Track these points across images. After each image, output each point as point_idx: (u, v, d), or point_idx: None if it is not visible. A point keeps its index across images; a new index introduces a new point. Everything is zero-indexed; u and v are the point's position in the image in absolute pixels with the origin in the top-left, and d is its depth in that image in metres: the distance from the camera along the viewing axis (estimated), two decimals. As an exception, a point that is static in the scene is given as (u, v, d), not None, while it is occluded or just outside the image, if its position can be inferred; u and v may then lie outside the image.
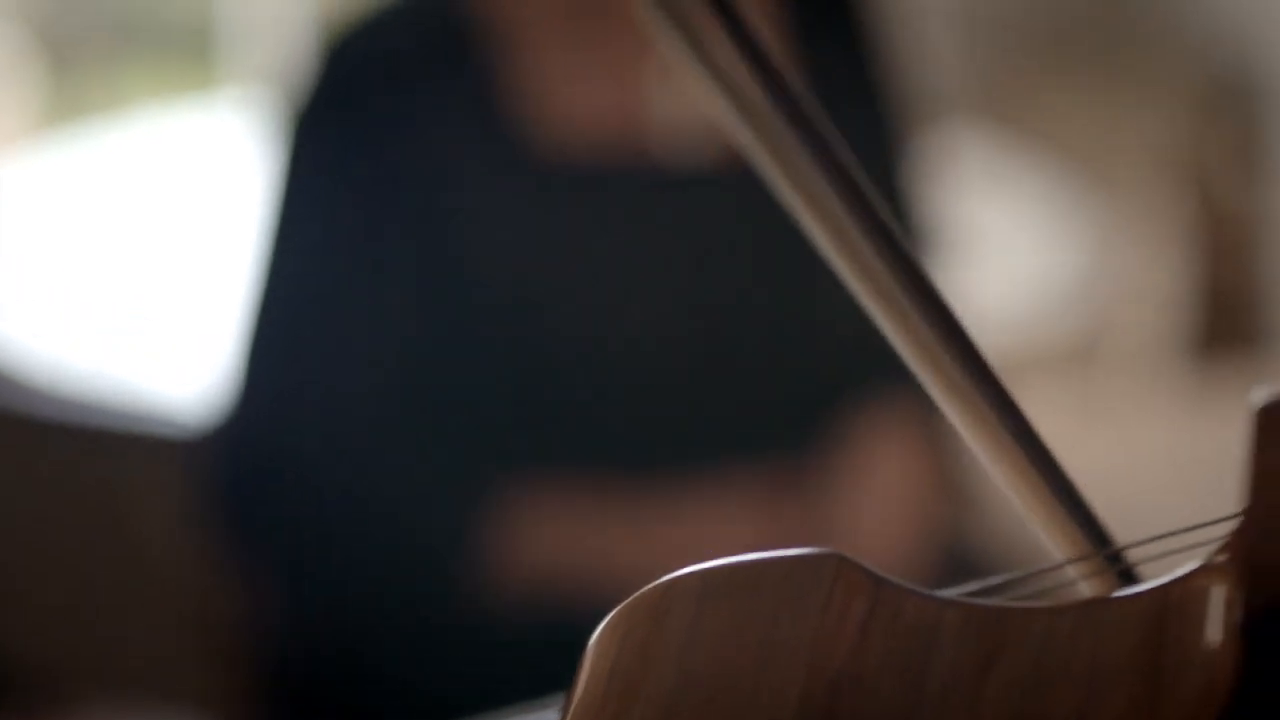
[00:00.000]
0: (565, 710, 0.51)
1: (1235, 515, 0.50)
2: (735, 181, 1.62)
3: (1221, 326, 3.34)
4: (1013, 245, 3.06)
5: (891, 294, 0.53)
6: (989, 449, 0.55)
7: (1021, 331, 2.93)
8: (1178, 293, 3.29)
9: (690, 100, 1.59)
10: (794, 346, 1.62)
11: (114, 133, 3.35)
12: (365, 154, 1.61)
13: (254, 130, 1.70)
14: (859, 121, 1.69)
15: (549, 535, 1.57)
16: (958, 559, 1.65)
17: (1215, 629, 0.49)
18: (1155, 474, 2.74)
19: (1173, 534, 0.52)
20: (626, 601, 0.52)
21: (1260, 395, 0.50)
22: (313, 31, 1.63)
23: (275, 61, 1.67)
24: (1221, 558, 0.49)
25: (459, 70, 1.60)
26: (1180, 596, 0.49)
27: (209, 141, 3.12)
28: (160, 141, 3.24)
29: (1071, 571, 0.56)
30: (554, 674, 0.60)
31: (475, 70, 1.59)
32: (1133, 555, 0.55)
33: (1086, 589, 0.56)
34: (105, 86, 3.88)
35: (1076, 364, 3.09)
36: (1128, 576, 0.55)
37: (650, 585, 0.52)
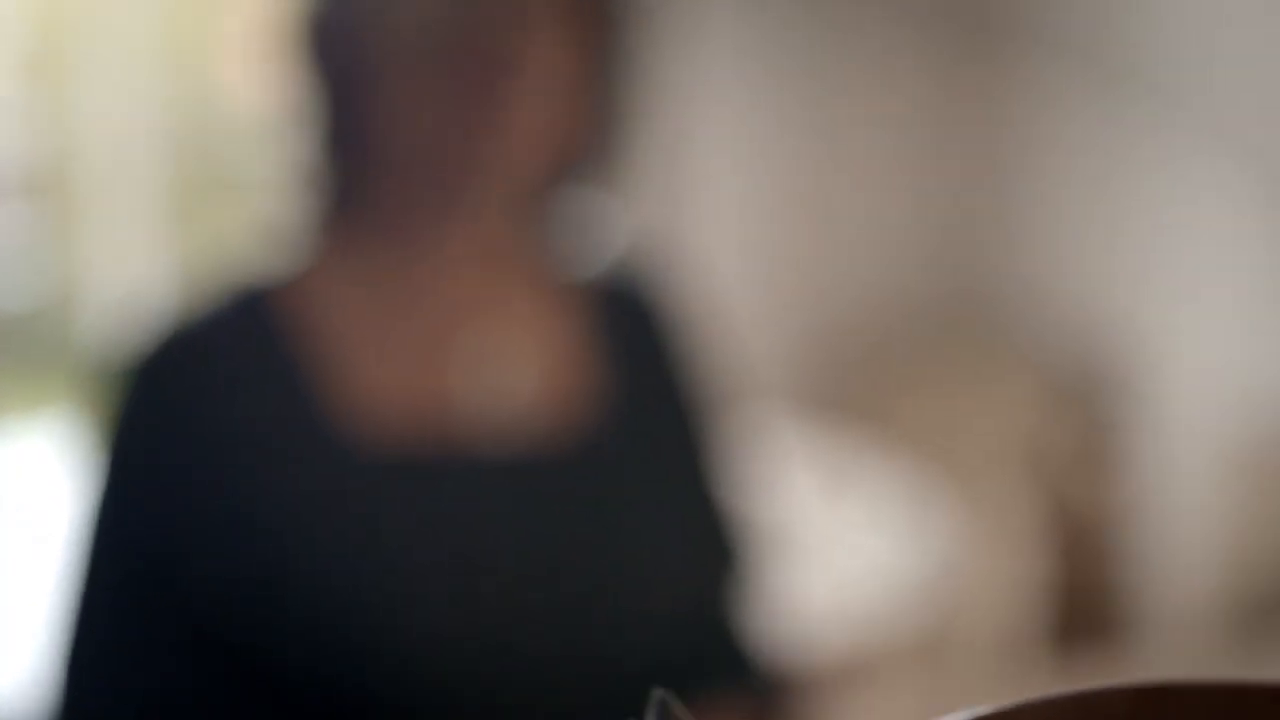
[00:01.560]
0: None
1: None
2: (545, 466, 1.64)
3: (1076, 618, 3.36)
4: (865, 539, 3.08)
5: None
6: None
7: (875, 626, 2.94)
8: (1032, 585, 3.31)
9: (499, 387, 1.62)
10: (610, 636, 1.63)
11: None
12: (184, 458, 1.62)
13: (86, 441, 1.72)
14: (678, 425, 1.71)
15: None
16: None
17: None
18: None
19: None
20: None
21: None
22: (141, 346, 1.65)
23: (108, 370, 1.69)
24: None
25: (274, 366, 1.62)
26: None
27: (50, 456, 3.12)
28: (6, 455, 3.23)
29: None
30: None
31: (290, 365, 1.62)
32: None
33: None
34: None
35: (931, 658, 3.10)
36: None
37: None
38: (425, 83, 1.59)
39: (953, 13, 3.70)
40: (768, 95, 3.61)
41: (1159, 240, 3.41)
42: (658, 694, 0.58)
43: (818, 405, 3.49)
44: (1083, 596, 3.39)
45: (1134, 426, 3.46)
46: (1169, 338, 3.39)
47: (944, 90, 3.72)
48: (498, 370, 1.63)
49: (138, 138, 3.61)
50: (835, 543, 2.97)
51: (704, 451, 1.71)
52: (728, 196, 3.56)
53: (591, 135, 1.66)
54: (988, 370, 3.54)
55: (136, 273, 3.58)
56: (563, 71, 1.61)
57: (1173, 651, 3.33)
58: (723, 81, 3.43)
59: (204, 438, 1.61)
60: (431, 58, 1.59)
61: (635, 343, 1.71)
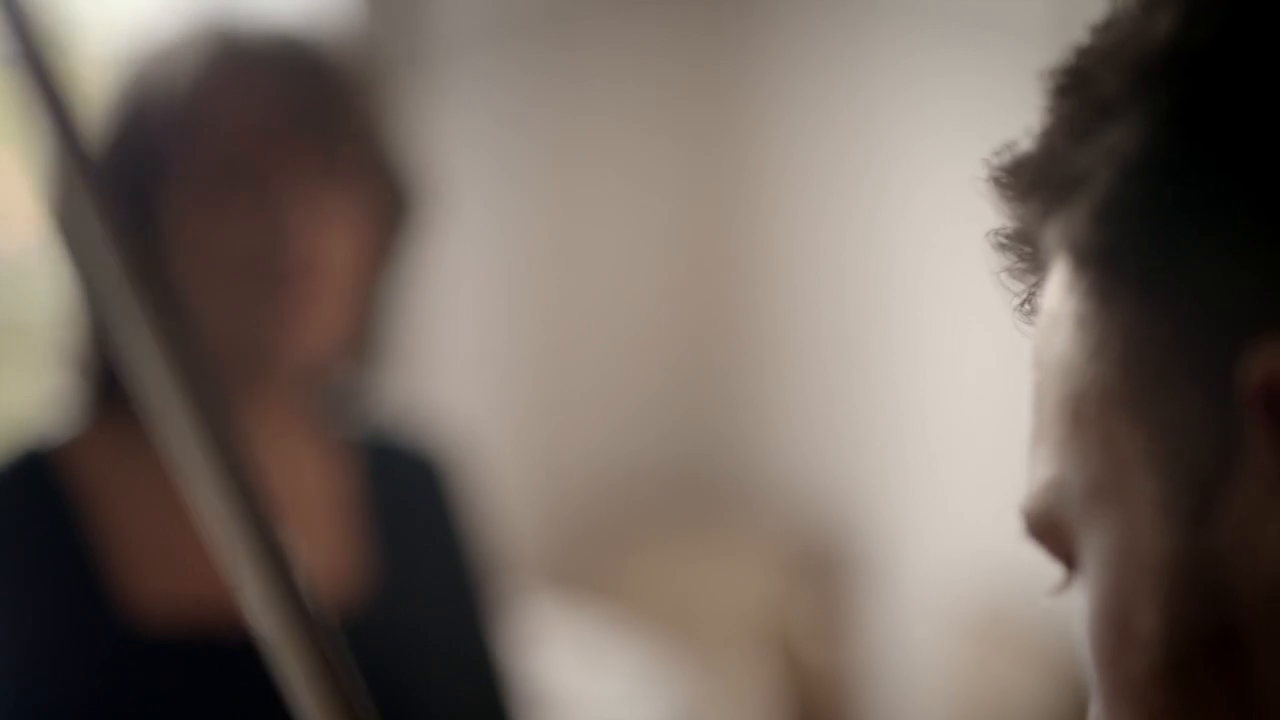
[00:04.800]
0: None
1: None
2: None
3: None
4: (605, 710, 3.09)
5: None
6: None
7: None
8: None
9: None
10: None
11: None
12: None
13: None
14: (445, 593, 1.73)
15: None
16: None
17: None
18: None
19: None
20: None
21: None
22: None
23: None
24: None
25: (57, 538, 1.60)
26: None
27: None
28: None
29: None
30: None
31: (67, 534, 1.60)
32: None
33: None
34: None
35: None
36: None
37: None
38: (219, 276, 1.59)
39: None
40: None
41: (897, 410, 3.49)
42: None
43: (565, 579, 3.50)
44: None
45: (868, 593, 3.53)
46: (903, 507, 3.47)
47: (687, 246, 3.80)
48: None
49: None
50: (579, 714, 2.98)
51: (477, 611, 1.73)
52: (472, 367, 3.58)
53: (372, 316, 1.69)
54: (726, 541, 3.60)
55: None
56: (354, 267, 1.63)
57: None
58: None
59: None
60: (229, 254, 1.59)
61: (408, 507, 1.72)
